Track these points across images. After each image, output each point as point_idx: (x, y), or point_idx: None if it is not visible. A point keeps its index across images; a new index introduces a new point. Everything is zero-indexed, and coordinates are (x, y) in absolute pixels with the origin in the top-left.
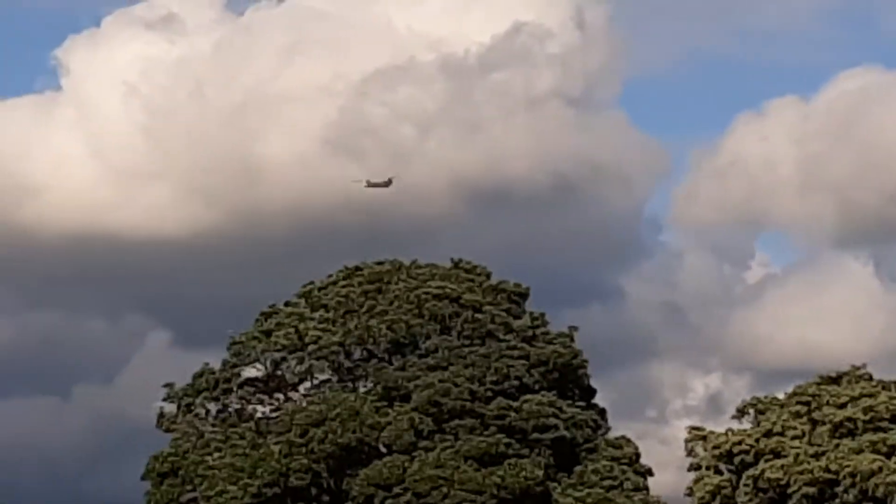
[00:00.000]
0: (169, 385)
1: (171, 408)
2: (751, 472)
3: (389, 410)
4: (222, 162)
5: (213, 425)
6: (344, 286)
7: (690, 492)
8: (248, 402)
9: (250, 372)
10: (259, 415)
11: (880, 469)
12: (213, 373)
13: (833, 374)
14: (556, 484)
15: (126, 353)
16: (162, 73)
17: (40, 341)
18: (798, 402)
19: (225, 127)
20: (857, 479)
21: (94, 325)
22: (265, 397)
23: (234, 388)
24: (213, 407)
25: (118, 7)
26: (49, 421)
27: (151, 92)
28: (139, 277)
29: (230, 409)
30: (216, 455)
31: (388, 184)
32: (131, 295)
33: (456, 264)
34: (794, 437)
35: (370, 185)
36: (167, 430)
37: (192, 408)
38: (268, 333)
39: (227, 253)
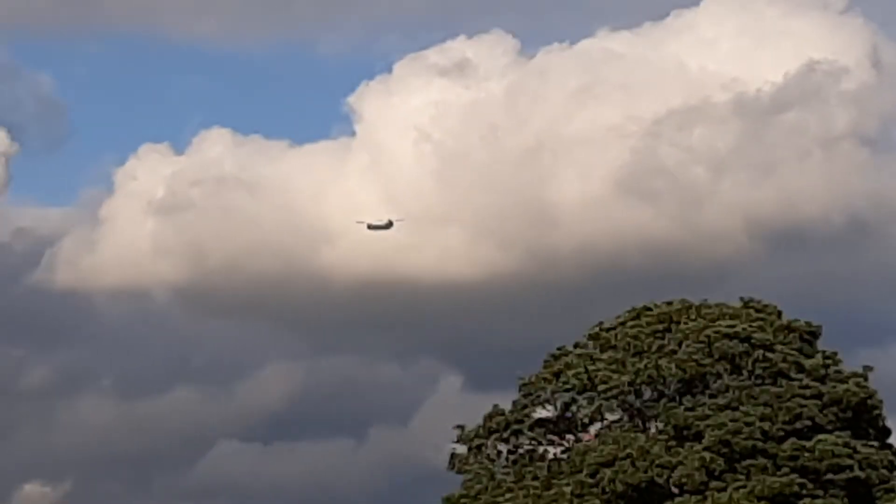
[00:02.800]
0: (460, 427)
1: (462, 449)
2: None
3: (680, 450)
4: (515, 205)
5: (505, 466)
6: (633, 326)
7: None
8: (539, 443)
9: (541, 413)
10: (550, 455)
11: None
12: (504, 414)
13: None
14: None
15: (419, 396)
16: (454, 118)
17: (336, 385)
18: None
19: (517, 170)
20: None
21: (388, 368)
22: (556, 438)
23: (525, 430)
24: (503, 448)
25: (409, 52)
26: (344, 463)
27: (443, 137)
28: (432, 321)
29: (521, 451)
30: (508, 496)
31: (388, 226)
32: (424, 338)
33: (746, 303)
34: None
35: (371, 227)
36: (459, 472)
37: (484, 449)
38: (557, 374)
39: (519, 295)
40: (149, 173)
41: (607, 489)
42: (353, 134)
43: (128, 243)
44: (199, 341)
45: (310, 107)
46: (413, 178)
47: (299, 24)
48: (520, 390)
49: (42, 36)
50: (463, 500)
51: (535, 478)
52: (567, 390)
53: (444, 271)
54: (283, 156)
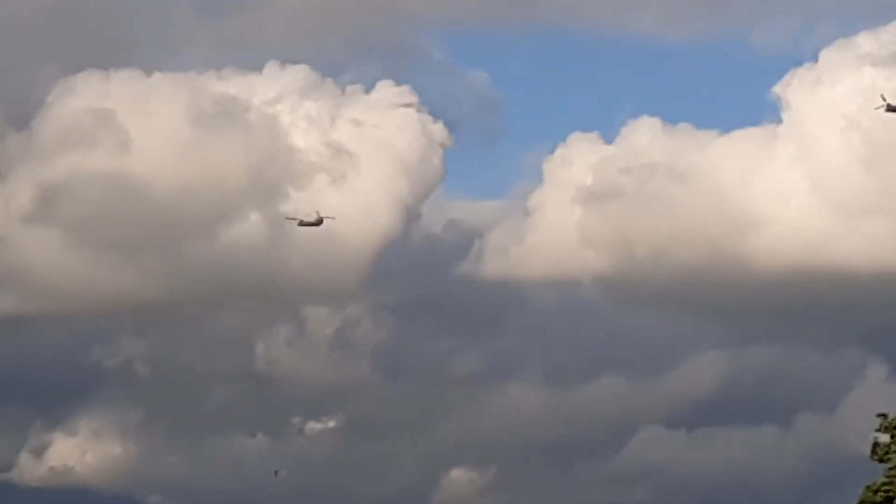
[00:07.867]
0: (882, 415)
1: (884, 438)
2: None
3: None
4: None
5: None
6: None
7: None
8: None
9: None
10: None
11: None
12: None
13: None
14: None
15: (846, 384)
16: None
17: (762, 373)
18: None
19: None
20: None
21: (814, 357)
22: None
23: None
24: None
25: (836, 38)
26: (769, 450)
27: (872, 125)
28: (859, 309)
29: None
30: None
31: (318, 223)
32: (851, 327)
33: None
34: None
35: (301, 224)
36: (881, 461)
37: None
38: None
39: None
40: (577, 162)
41: None
42: (779, 122)
43: (556, 233)
44: (626, 329)
45: (738, 96)
46: (840, 165)
47: (734, 16)
48: None
49: (477, 35)
50: (885, 489)
51: None
52: None
53: (872, 260)
54: (712, 144)
